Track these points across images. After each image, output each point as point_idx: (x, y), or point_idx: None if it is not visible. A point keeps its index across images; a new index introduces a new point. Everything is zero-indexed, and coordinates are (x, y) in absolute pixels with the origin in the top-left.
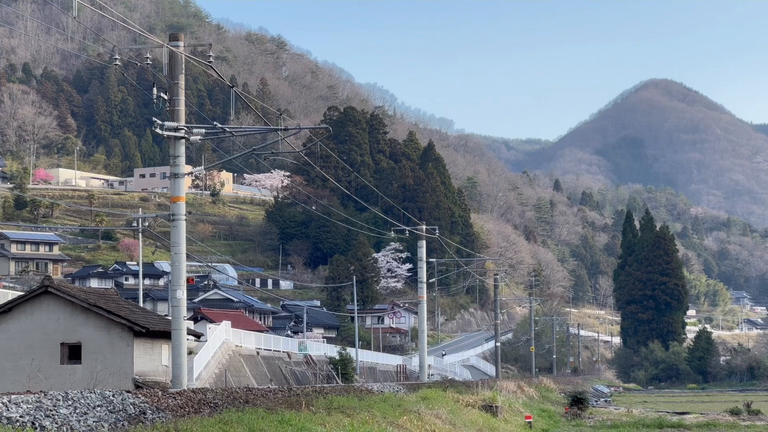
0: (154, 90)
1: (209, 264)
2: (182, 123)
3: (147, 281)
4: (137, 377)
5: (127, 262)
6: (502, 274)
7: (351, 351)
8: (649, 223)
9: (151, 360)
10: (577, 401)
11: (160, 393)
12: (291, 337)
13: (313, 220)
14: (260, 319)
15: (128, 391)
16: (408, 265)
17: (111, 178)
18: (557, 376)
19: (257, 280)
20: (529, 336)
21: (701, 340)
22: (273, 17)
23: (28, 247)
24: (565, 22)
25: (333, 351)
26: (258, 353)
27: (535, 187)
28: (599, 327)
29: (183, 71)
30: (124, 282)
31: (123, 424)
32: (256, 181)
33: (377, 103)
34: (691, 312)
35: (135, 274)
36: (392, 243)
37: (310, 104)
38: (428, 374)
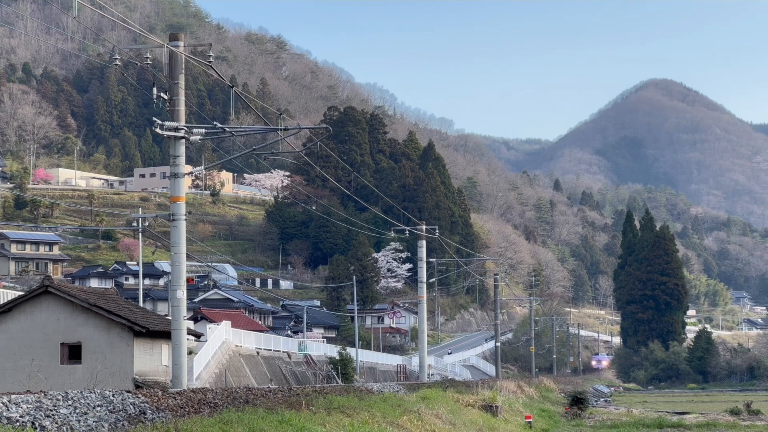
0: (154, 90)
1: (209, 264)
2: (182, 123)
3: (147, 281)
4: (137, 377)
5: (127, 262)
6: (502, 274)
7: (351, 351)
8: (649, 223)
9: (151, 360)
10: (577, 401)
11: (160, 393)
12: (291, 337)
13: (313, 220)
14: (260, 319)
15: (128, 391)
16: (408, 265)
17: (111, 178)
18: (557, 375)
19: (257, 280)
20: (529, 336)
21: (701, 340)
22: (273, 17)
23: (28, 247)
24: (565, 23)
25: (333, 351)
26: (258, 353)
27: (535, 187)
28: (599, 327)
29: (183, 71)
30: (124, 282)
31: (123, 424)
32: (256, 181)
33: (377, 103)
34: (691, 312)
35: (135, 274)
36: (392, 243)
37: (310, 104)
38: (428, 374)
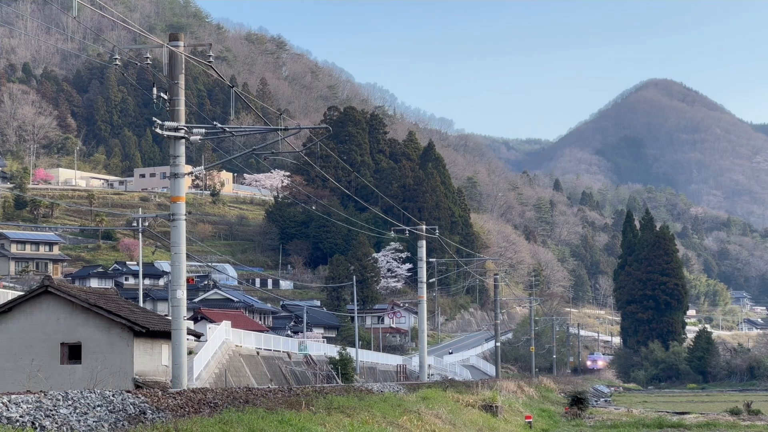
0: (154, 90)
1: (209, 264)
2: (182, 123)
3: (147, 281)
4: (137, 377)
5: (127, 262)
6: (502, 274)
7: (351, 351)
8: (649, 223)
9: (151, 360)
10: (577, 401)
11: (160, 393)
12: (291, 337)
13: (313, 220)
14: (260, 319)
15: (128, 391)
16: (408, 265)
17: (111, 178)
18: (557, 375)
19: (257, 280)
20: (529, 336)
21: (701, 340)
22: (273, 17)
23: (28, 247)
24: (565, 23)
25: (333, 351)
26: (258, 353)
27: (535, 187)
28: (599, 327)
29: (183, 71)
30: (124, 282)
31: (123, 424)
32: (256, 181)
33: (377, 103)
34: (691, 312)
35: (135, 274)
36: (392, 243)
37: (310, 104)
38: (428, 374)
